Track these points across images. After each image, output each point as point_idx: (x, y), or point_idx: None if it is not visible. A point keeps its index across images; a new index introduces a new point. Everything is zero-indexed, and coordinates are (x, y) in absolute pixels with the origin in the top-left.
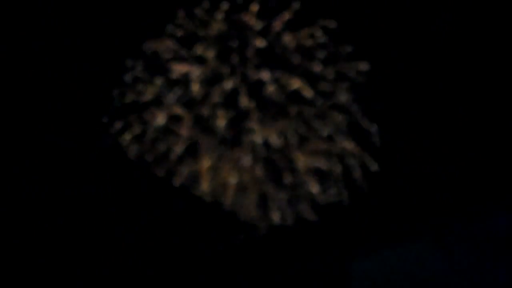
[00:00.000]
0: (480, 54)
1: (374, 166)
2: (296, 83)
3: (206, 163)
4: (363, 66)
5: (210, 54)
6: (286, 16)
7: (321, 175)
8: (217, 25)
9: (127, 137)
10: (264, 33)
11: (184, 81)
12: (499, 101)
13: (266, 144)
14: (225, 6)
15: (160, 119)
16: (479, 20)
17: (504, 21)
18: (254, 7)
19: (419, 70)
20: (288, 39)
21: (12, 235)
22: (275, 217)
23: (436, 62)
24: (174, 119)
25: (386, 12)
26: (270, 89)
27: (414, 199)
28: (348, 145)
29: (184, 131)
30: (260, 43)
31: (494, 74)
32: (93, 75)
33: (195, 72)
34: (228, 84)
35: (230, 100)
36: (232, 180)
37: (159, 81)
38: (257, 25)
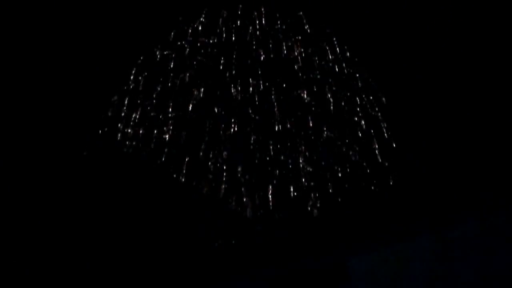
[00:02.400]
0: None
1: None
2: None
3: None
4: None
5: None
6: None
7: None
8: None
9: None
10: (266, 41)
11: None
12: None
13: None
14: (225, 13)
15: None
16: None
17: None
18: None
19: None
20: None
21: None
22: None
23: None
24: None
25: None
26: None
27: (413, 197)
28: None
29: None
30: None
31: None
32: (93, 78)
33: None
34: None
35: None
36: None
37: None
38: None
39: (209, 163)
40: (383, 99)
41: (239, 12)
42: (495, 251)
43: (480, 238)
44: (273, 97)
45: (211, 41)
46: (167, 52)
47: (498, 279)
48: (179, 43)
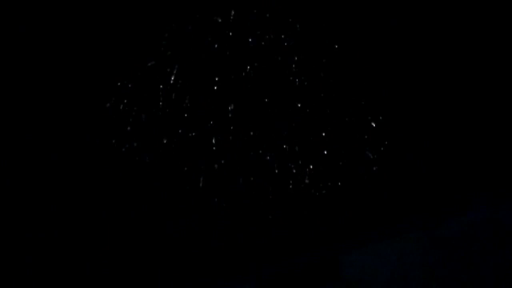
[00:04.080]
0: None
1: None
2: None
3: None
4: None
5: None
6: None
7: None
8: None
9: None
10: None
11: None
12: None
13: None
14: (218, 20)
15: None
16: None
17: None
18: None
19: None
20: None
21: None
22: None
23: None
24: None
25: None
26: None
27: (405, 193)
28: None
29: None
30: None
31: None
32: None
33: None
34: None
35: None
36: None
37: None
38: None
39: (207, 166)
40: (383, 99)
41: (232, 19)
42: (492, 252)
43: (479, 238)
44: (266, 102)
45: (204, 47)
46: (158, 60)
47: (494, 279)
48: (172, 49)
